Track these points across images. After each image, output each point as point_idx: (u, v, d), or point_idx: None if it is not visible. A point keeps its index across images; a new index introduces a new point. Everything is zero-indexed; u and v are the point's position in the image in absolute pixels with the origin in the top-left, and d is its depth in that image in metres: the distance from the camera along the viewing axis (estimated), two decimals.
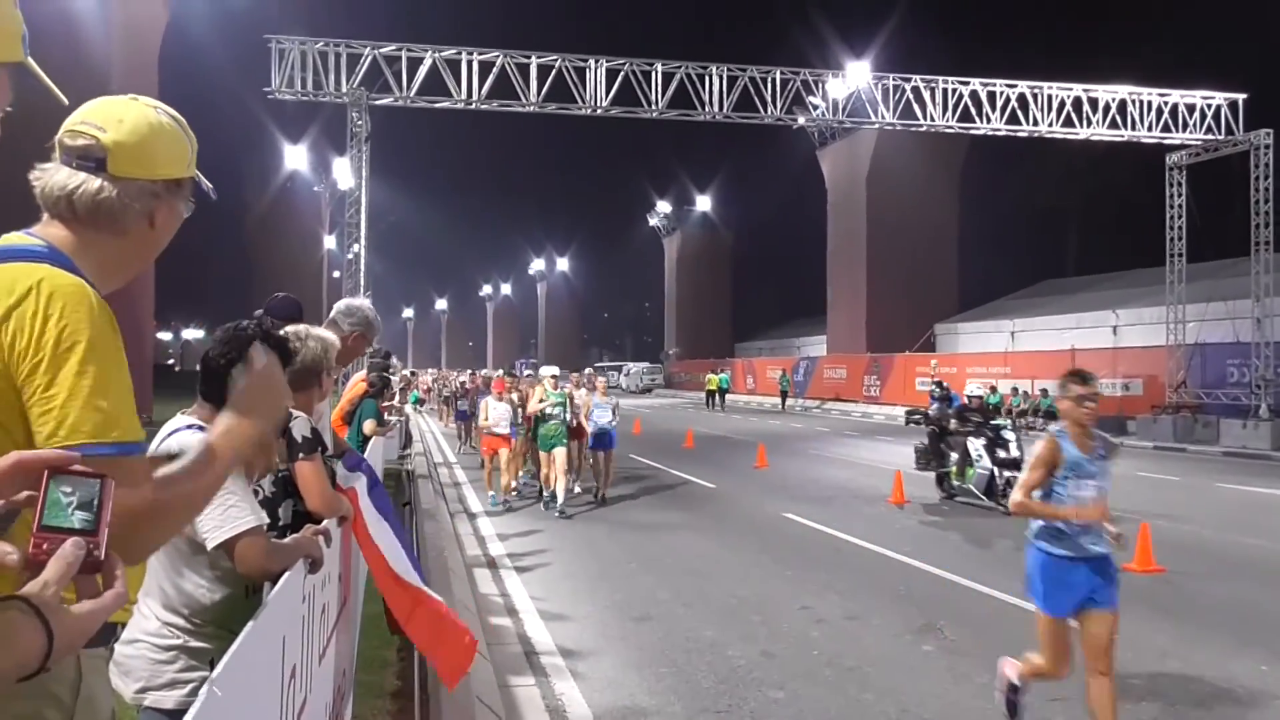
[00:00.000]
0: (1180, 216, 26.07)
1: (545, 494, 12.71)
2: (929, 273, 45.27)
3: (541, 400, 12.48)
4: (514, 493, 13.38)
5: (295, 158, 51.47)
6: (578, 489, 13.66)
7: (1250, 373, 24.43)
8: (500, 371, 16.37)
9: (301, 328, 3.23)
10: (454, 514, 12.08)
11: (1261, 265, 24.26)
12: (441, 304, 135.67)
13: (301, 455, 2.92)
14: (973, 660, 6.26)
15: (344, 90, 23.12)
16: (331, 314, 4.33)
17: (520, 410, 13.36)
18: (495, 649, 6.28)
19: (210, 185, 1.76)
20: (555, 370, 13.07)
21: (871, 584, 8.51)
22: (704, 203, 72.78)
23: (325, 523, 2.80)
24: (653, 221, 77.09)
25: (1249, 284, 24.71)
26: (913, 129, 27.18)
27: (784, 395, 43.16)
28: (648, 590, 8.21)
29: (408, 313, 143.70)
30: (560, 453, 12.23)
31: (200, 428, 2.33)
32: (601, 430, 13.26)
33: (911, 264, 44.93)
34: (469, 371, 31.47)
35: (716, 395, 43.97)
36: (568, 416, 12.44)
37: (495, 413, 13.07)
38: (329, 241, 48.26)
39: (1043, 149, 32.85)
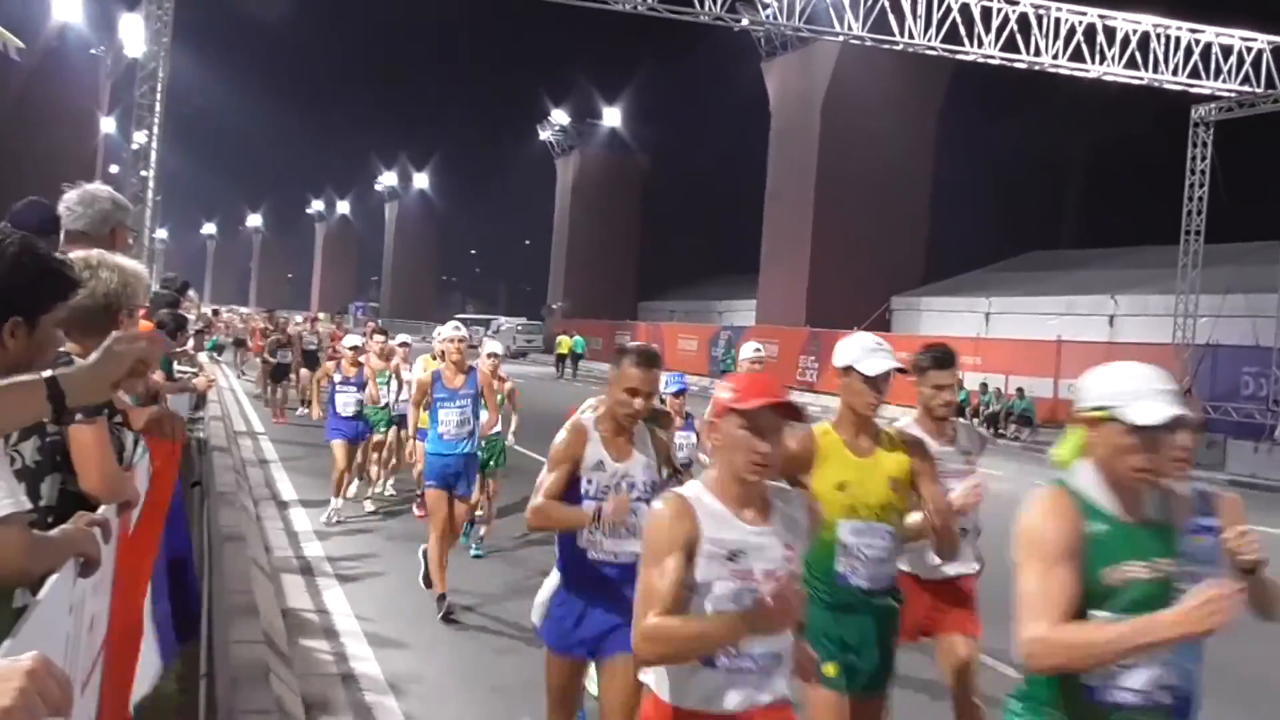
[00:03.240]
0: (1202, 185, 27.15)
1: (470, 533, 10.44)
2: (891, 230, 46.06)
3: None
4: (370, 498, 12.66)
5: (67, 5, 49.28)
6: (361, 498, 12.75)
7: (1269, 385, 25.71)
8: (403, 338, 14.01)
9: (94, 253, 3.15)
10: (259, 501, 11.95)
11: None
12: (255, 220, 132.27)
13: (80, 417, 2.85)
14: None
15: None
16: (60, 207, 4.13)
17: (399, 386, 12.62)
18: (307, 681, 6.25)
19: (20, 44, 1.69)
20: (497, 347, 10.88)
21: None
22: (612, 117, 72.47)
23: (102, 509, 2.75)
24: (544, 135, 76.47)
25: (1276, 275, 25.93)
26: (885, 46, 27.62)
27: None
28: (514, 613, 8.25)
29: (209, 228, 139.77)
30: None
31: None
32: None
33: (870, 218, 45.64)
34: (304, 317, 31.03)
35: (569, 360, 48.74)
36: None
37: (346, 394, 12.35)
38: (107, 125, 46.52)
39: (1043, 86, 33.71)
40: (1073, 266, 40.98)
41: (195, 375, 8.38)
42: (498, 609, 8.44)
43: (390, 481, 13.49)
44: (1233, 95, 26.63)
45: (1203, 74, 26.48)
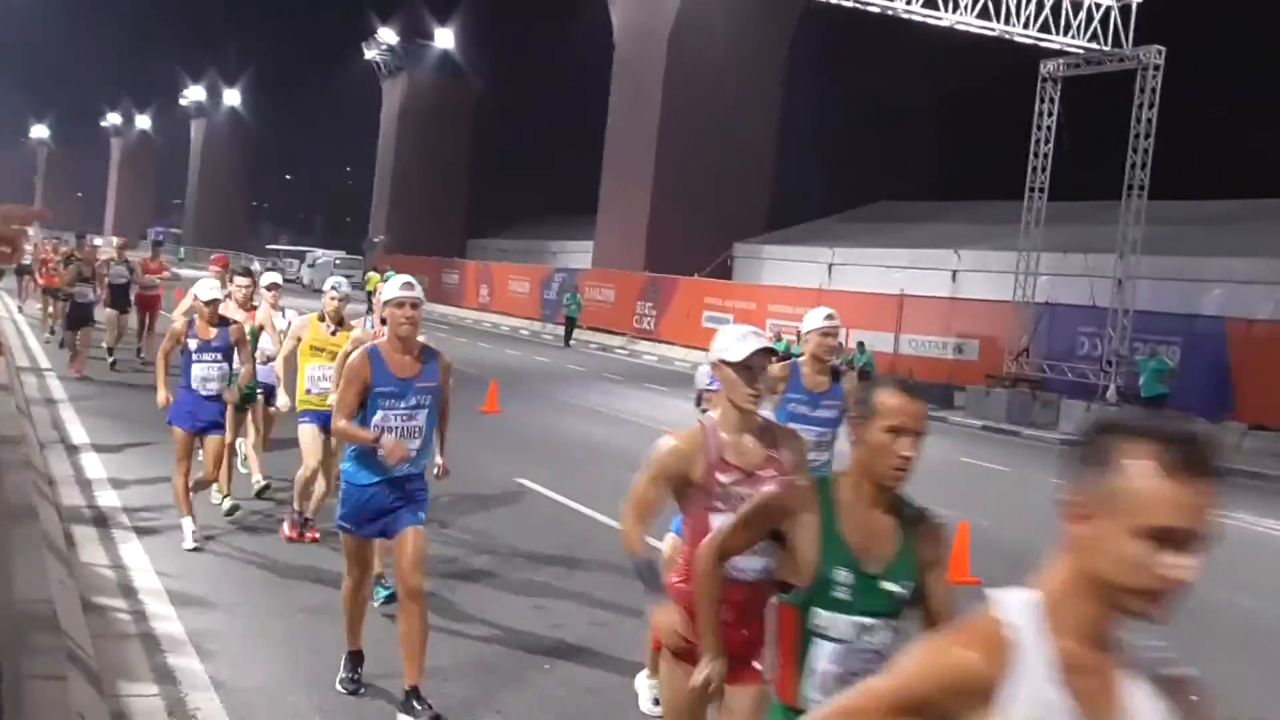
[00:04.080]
0: (1048, 142, 28.20)
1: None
2: (735, 175, 46.58)
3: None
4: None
5: None
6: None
7: (1103, 345, 27.06)
8: (271, 278, 11.35)
9: None
10: (46, 445, 11.53)
11: (1131, 214, 26.76)
12: (40, 131, 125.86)
13: None
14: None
15: None
16: None
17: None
18: (103, 644, 6.10)
19: None
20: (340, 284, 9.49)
21: (626, 581, 8.85)
22: (445, 38, 71.17)
23: None
24: (370, 55, 74.68)
25: (1114, 236, 27.22)
26: None
27: (570, 325, 41.59)
28: (328, 572, 8.17)
29: None
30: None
31: None
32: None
33: (714, 160, 46.05)
34: (102, 240, 28.43)
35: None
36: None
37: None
38: None
39: (894, 33, 34.36)
40: (919, 218, 42.16)
41: None
42: (305, 565, 8.35)
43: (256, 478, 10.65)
44: (1081, 52, 27.68)
45: (1053, 29, 27.42)
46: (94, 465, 11.18)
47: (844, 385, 6.97)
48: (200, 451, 8.97)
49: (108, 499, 9.84)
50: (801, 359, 7.05)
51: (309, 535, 9.09)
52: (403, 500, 5.97)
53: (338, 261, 65.47)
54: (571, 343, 40.32)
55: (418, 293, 5.98)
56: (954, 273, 35.79)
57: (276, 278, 11.34)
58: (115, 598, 7.15)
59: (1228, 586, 9.85)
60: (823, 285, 38.29)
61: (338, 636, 6.31)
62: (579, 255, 54.06)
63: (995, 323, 29.36)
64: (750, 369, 4.08)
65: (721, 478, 4.09)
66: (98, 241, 30.05)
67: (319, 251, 71.06)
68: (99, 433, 12.85)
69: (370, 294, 47.90)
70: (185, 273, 26.79)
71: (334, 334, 9.06)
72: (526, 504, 11.62)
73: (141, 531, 8.87)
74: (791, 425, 5.71)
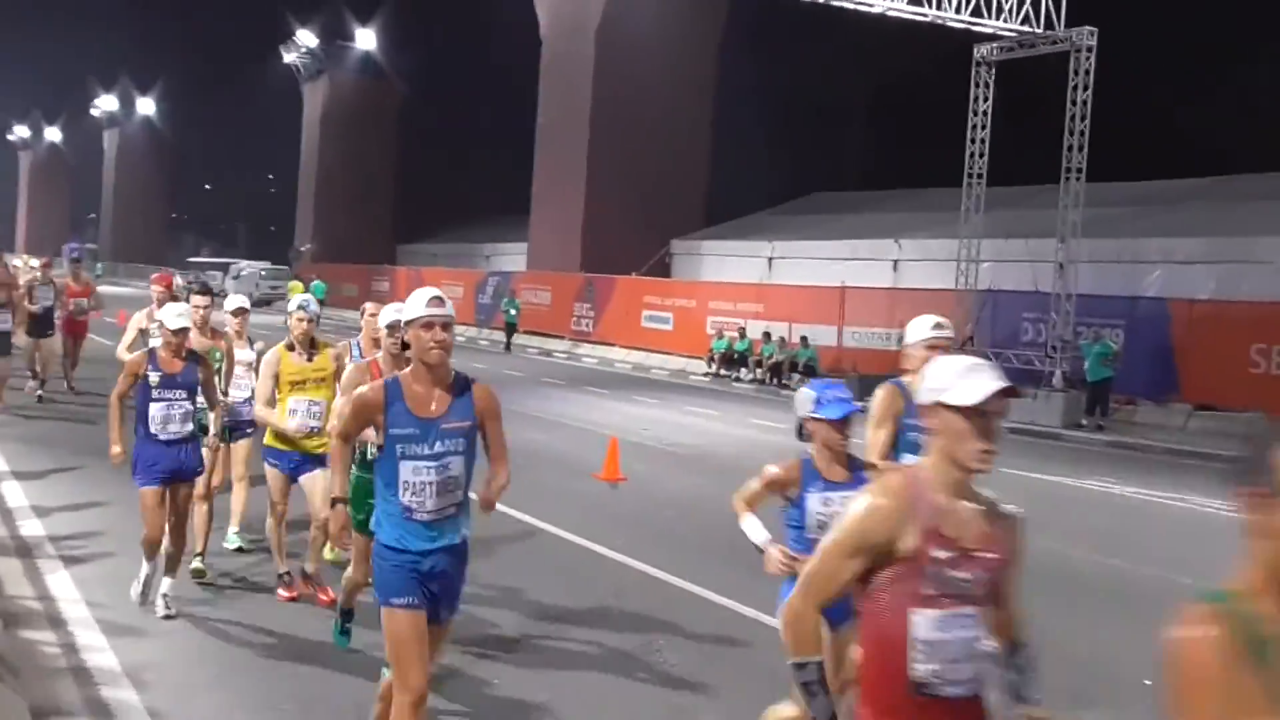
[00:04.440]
0: (984, 127, 28.54)
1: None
2: (670, 170, 46.67)
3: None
4: None
5: None
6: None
7: (1047, 331, 27.42)
8: (237, 302, 9.99)
9: None
10: None
11: (1071, 198, 27.13)
12: None
13: None
14: (699, 695, 6.73)
15: None
16: None
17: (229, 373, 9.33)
18: (32, 679, 6.00)
19: None
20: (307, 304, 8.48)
21: (572, 588, 8.88)
22: (366, 39, 70.71)
23: None
24: (289, 58, 74.04)
25: (1055, 219, 27.57)
26: None
27: (511, 330, 41.29)
28: (263, 597, 8.12)
29: None
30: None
31: None
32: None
33: (648, 156, 46.11)
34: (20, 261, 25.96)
35: None
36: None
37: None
38: None
39: (826, 22, 34.60)
40: (857, 208, 42.45)
41: None
42: (248, 593, 8.28)
43: (236, 531, 9.49)
44: (1014, 35, 28.02)
45: (985, 12, 27.72)
46: (15, 494, 10.98)
47: None
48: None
49: (31, 528, 9.68)
50: (907, 378, 5.91)
51: (321, 596, 8.03)
52: (439, 581, 4.98)
53: (263, 273, 64.92)
54: (511, 348, 40.19)
55: (449, 310, 4.93)
56: (895, 262, 36.06)
57: (243, 301, 9.96)
58: (44, 630, 7.03)
59: (1174, 568, 10.02)
60: (762, 279, 38.49)
61: (280, 661, 6.26)
62: (513, 258, 53.95)
63: (938, 311, 28.57)
64: (985, 416, 3.16)
65: (937, 553, 3.12)
66: (16, 263, 27.73)
67: (243, 263, 70.26)
68: (19, 459, 12.63)
69: None
70: (103, 289, 26.33)
71: (310, 359, 8.12)
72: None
73: (69, 560, 8.73)
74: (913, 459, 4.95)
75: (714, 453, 17.19)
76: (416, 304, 4.87)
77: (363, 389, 5.11)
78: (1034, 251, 28.63)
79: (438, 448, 4.89)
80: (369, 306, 8.16)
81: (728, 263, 42.10)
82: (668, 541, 10.79)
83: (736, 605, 8.57)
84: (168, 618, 7.47)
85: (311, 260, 66.18)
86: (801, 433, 5.18)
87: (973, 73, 28.56)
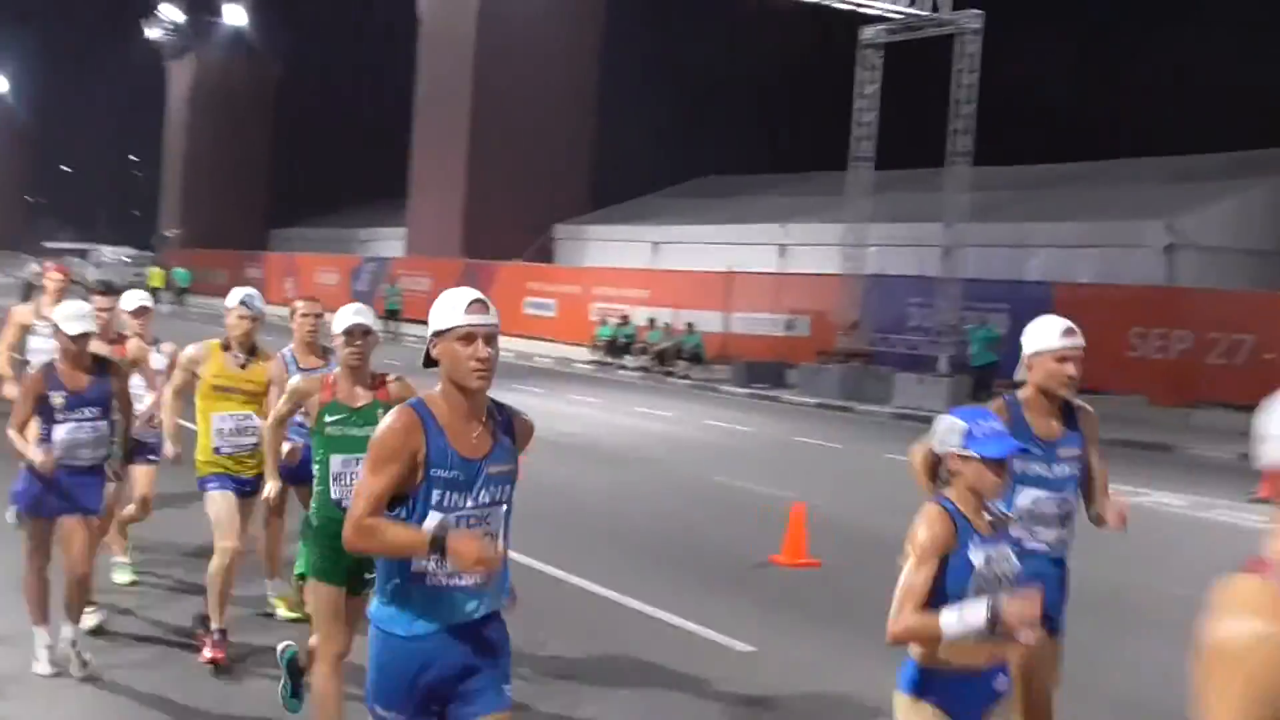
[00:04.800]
0: (871, 110, 28.84)
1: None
2: (554, 153, 46.53)
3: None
4: None
5: None
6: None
7: (933, 316, 27.79)
8: (139, 299, 8.57)
9: None
10: None
11: (956, 182, 27.54)
12: None
13: None
14: (590, 688, 6.61)
15: None
16: None
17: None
18: None
19: None
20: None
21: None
22: (235, 14, 69.19)
23: None
24: (152, 33, 72.26)
25: (940, 204, 27.95)
26: None
27: (392, 317, 38.72)
28: (169, 609, 7.74)
29: None
30: None
31: None
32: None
33: (531, 139, 45.90)
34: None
35: (173, 294, 50.22)
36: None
37: None
38: None
39: (713, 2, 34.73)
40: (742, 191, 42.68)
41: None
42: (144, 603, 7.96)
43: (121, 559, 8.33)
44: (900, 17, 28.31)
45: None
46: None
47: (1084, 427, 5.03)
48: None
49: None
50: (1023, 393, 5.06)
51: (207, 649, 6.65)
52: (478, 663, 3.66)
53: (126, 258, 63.20)
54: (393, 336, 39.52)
55: (494, 317, 3.83)
56: (782, 246, 36.29)
57: (145, 298, 8.52)
58: None
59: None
60: (648, 265, 38.49)
61: (148, 674, 5.98)
62: (391, 243, 53.33)
63: (826, 297, 29.77)
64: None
65: None
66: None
67: (105, 248, 68.29)
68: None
69: (154, 290, 45.92)
70: None
71: (244, 366, 7.01)
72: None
73: None
74: (1027, 492, 4.78)
75: (598, 442, 17.08)
76: (452, 309, 3.82)
77: (391, 420, 3.87)
78: (919, 236, 29.01)
79: (483, 498, 3.70)
80: (300, 305, 7.21)
81: (613, 248, 42.05)
82: (549, 531, 10.64)
83: (617, 595, 8.52)
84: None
85: (180, 246, 64.71)
86: (939, 472, 3.89)
87: (858, 55, 28.81)
